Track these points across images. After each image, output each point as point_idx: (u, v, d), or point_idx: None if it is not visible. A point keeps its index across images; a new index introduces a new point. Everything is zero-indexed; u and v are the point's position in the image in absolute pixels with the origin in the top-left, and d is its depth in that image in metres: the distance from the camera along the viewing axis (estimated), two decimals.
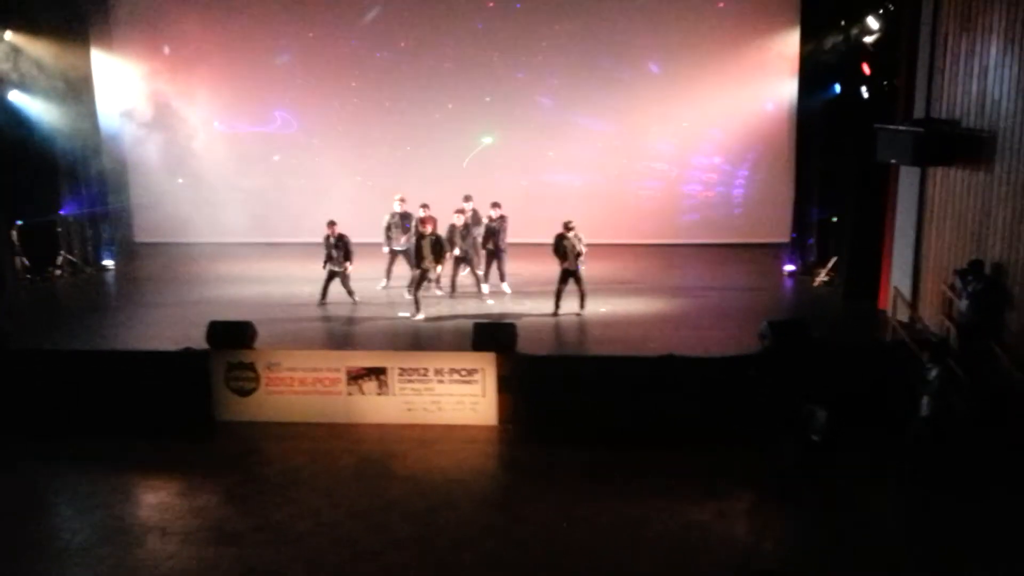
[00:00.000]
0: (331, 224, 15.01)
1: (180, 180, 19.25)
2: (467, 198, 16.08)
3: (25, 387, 12.37)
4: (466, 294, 15.67)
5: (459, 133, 19.50)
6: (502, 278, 15.96)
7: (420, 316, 14.52)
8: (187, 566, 8.94)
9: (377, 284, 16.08)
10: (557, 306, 14.58)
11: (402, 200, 15.93)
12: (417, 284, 14.75)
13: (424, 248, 14.62)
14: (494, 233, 15.65)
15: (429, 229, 14.67)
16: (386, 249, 15.98)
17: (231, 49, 19.29)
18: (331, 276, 15.10)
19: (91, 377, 12.40)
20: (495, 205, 15.71)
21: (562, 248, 14.45)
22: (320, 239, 15.20)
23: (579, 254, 14.30)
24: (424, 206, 15.56)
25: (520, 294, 15.74)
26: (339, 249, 14.94)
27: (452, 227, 15.59)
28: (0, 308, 14.17)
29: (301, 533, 9.52)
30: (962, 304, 11.64)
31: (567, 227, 14.42)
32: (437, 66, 19.35)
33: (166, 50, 19.22)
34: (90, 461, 11.27)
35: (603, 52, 19.07)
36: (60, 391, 12.35)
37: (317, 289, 16.03)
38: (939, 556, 9.00)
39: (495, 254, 15.79)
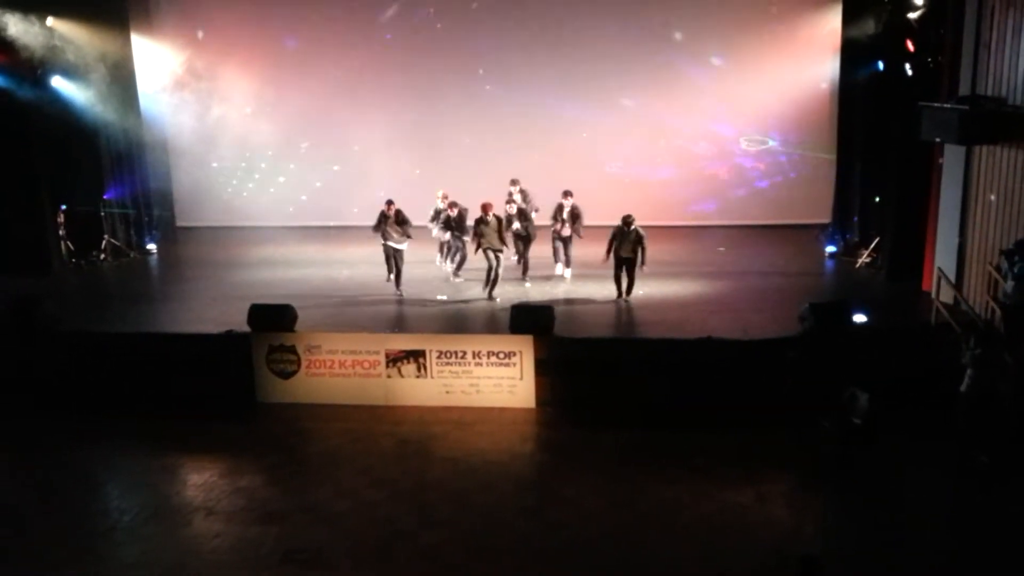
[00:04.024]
0: (389, 203, 14.92)
1: (219, 165, 19.40)
2: (513, 181, 15.97)
3: (72, 370, 12.67)
4: (504, 278, 15.61)
5: (498, 117, 19.42)
6: (566, 263, 15.81)
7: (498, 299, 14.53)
8: (232, 545, 9.11)
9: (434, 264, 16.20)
10: (619, 291, 14.50)
11: (444, 197, 15.88)
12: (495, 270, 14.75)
13: (488, 232, 14.50)
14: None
15: (491, 215, 14.55)
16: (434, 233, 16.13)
17: (270, 32, 19.37)
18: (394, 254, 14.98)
19: (136, 360, 12.67)
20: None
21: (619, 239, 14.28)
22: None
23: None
24: (444, 197, 15.67)
25: (557, 277, 15.72)
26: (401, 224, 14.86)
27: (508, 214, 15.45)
28: (47, 292, 14.42)
29: (341, 513, 9.65)
30: (1008, 285, 11.42)
31: (626, 222, 14.24)
32: (476, 48, 19.29)
33: (199, 35, 19.33)
34: (136, 442, 11.53)
35: (640, 34, 18.84)
36: (106, 373, 12.63)
37: (356, 272, 16.25)
38: (981, 542, 8.90)
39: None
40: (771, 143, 19.20)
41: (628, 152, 19.31)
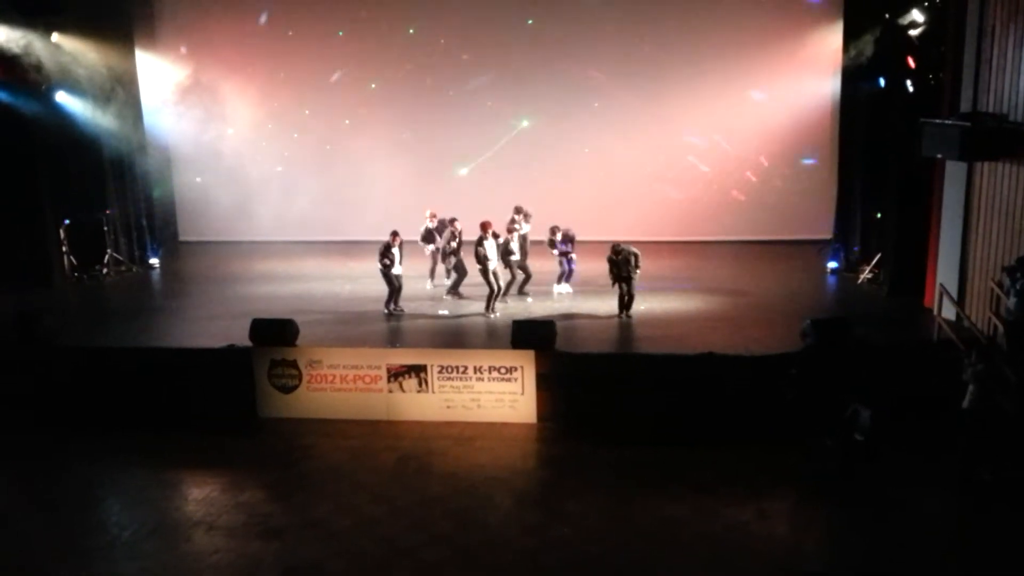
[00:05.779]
0: (394, 234, 14.86)
1: (224, 180, 19.46)
2: (518, 210, 15.99)
3: (73, 384, 12.66)
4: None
5: (500, 136, 19.48)
6: (566, 278, 15.83)
7: (496, 314, 14.58)
8: (232, 561, 9.08)
9: (425, 283, 16.17)
10: (621, 310, 14.48)
11: (433, 216, 15.93)
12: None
13: (488, 251, 14.59)
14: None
15: (490, 234, 14.67)
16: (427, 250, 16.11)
17: (273, 48, 19.46)
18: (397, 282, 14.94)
19: (137, 374, 12.66)
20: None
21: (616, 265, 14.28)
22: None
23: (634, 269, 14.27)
24: (432, 216, 15.79)
25: (558, 293, 15.72)
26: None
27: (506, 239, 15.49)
28: (49, 306, 14.43)
29: (342, 529, 9.62)
30: (1010, 302, 11.41)
31: (615, 250, 14.25)
32: (477, 65, 19.36)
33: (200, 51, 19.41)
34: (137, 457, 11.51)
35: (643, 50, 18.93)
36: (107, 388, 12.62)
37: (357, 287, 16.21)
38: (984, 558, 8.86)
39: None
40: (773, 159, 19.21)
41: (630, 169, 19.34)
